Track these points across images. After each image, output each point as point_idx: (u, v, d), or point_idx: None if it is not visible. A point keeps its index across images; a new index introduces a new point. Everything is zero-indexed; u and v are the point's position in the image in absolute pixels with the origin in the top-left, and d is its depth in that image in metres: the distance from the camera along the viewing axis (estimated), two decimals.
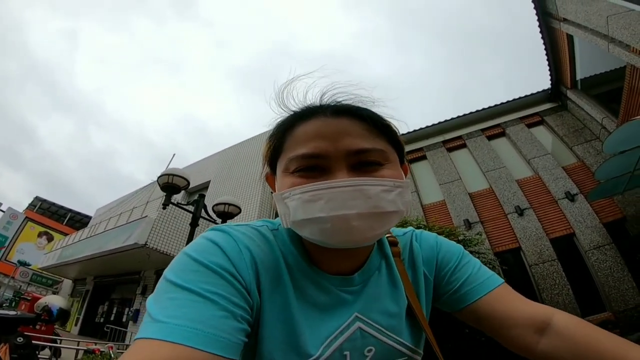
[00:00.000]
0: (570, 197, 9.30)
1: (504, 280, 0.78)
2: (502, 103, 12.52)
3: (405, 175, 0.73)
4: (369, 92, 0.71)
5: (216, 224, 7.47)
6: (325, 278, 0.69)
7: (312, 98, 0.70)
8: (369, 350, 0.67)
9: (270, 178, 0.76)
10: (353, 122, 0.64)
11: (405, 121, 0.74)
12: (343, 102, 0.68)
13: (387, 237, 0.82)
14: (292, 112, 0.70)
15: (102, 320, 16.87)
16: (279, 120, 0.72)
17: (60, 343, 6.62)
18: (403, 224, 5.02)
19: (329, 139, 0.63)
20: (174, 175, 6.52)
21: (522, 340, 0.68)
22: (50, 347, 6.19)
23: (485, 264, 6.69)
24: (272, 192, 0.72)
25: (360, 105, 0.68)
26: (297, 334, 0.61)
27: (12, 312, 5.05)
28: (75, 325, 17.46)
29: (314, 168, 0.63)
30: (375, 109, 0.69)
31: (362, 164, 0.64)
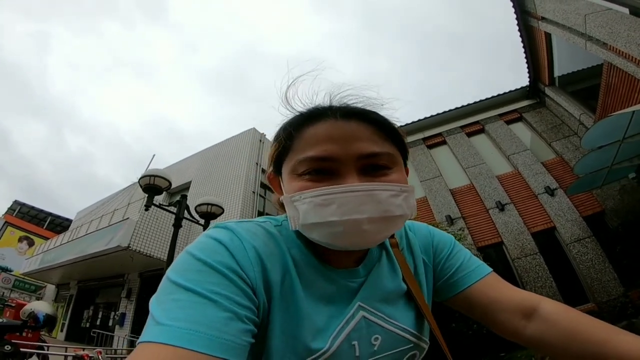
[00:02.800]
0: (550, 192, 9.49)
1: (492, 270, 0.82)
2: (481, 100, 12.63)
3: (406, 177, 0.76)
4: (378, 94, 0.70)
5: (199, 224, 7.47)
6: (333, 271, 0.69)
7: (321, 99, 0.70)
8: (376, 339, 0.68)
9: (274, 178, 0.76)
10: (362, 125, 0.64)
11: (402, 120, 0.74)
12: (352, 104, 0.68)
13: None
14: (298, 113, 0.70)
15: (87, 325, 16.49)
16: (285, 120, 0.71)
17: (47, 349, 6.51)
18: None
19: (339, 142, 0.62)
20: (155, 176, 6.40)
21: (510, 324, 0.72)
22: (38, 354, 6.11)
23: None
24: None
25: (369, 108, 0.68)
26: (307, 328, 0.61)
27: None
28: (61, 331, 17.05)
29: (323, 171, 0.63)
30: (382, 112, 0.69)
31: (372, 168, 0.64)
